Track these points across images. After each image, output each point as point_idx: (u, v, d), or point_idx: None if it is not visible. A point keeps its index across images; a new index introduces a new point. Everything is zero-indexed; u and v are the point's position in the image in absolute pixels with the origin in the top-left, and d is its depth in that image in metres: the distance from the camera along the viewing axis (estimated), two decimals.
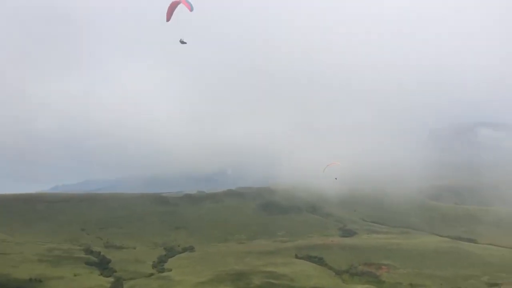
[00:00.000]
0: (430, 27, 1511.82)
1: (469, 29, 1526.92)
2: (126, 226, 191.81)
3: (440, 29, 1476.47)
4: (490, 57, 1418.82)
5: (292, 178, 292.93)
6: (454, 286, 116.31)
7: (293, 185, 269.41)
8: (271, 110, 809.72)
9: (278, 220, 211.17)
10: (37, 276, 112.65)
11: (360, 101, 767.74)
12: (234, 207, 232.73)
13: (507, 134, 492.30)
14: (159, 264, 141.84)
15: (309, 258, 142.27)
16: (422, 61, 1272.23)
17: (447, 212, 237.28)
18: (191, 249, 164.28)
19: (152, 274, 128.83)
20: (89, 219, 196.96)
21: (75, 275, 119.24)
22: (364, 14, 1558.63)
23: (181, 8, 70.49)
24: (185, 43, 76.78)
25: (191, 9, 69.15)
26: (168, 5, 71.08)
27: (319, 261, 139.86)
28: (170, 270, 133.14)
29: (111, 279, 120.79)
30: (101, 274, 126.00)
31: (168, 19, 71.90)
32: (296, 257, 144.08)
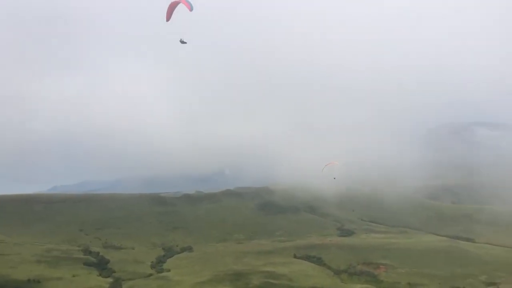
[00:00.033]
0: (428, 27, 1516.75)
1: (467, 29, 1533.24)
2: (125, 227, 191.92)
3: (438, 30, 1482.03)
4: (487, 57, 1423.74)
5: (290, 178, 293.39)
6: (452, 285, 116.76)
7: (292, 185, 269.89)
8: (269, 110, 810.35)
9: (277, 220, 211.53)
10: (35, 277, 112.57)
11: (358, 101, 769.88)
12: (233, 207, 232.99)
13: (504, 134, 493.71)
14: (158, 265, 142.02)
15: (308, 258, 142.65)
16: (420, 61, 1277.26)
17: (445, 212, 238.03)
18: (189, 249, 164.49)
19: (150, 275, 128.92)
20: (88, 220, 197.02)
21: (73, 276, 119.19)
22: (363, 15, 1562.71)
23: (180, 8, 70.59)
24: (185, 43, 76.87)
25: (191, 9, 69.20)
26: (168, 5, 71.12)
27: (318, 261, 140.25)
28: (169, 270, 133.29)
29: (110, 280, 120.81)
30: (100, 274, 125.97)
31: (168, 19, 71.96)
32: (295, 257, 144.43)
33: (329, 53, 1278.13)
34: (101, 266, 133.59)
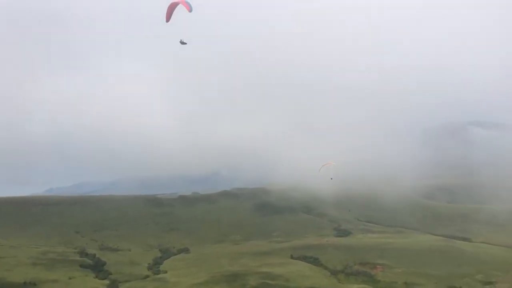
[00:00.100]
0: (427, 28, 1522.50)
1: (465, 29, 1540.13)
2: (121, 228, 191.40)
3: (436, 30, 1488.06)
4: (484, 57, 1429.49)
5: (287, 179, 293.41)
6: (449, 285, 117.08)
7: (288, 186, 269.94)
8: (266, 110, 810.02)
9: (273, 220, 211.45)
10: (31, 280, 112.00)
11: (354, 101, 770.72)
12: (229, 208, 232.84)
13: (500, 133, 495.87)
14: (154, 266, 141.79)
15: (305, 258, 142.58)
16: (416, 61, 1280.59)
17: (441, 211, 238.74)
18: (186, 250, 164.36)
19: (147, 276, 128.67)
20: (84, 222, 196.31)
21: (69, 278, 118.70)
22: (362, 15, 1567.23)
23: (179, 9, 70.51)
24: (185, 43, 76.67)
25: (190, 10, 69.08)
26: (168, 5, 71.01)
27: (315, 261, 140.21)
28: (166, 272, 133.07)
29: (106, 282, 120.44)
30: (96, 276, 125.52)
31: (167, 20, 71.80)
32: (292, 257, 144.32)
33: (326, 53, 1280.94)
34: (98, 268, 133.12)
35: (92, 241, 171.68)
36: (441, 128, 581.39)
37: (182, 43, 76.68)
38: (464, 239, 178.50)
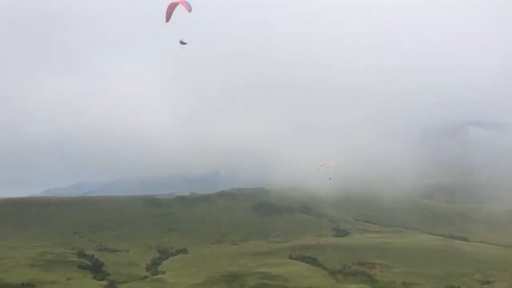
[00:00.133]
0: (426, 28, 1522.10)
1: (463, 29, 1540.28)
2: (119, 229, 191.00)
3: (435, 30, 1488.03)
4: (482, 57, 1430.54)
5: (286, 179, 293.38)
6: (447, 284, 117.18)
7: (287, 186, 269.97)
8: (264, 110, 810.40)
9: (272, 220, 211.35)
10: (29, 281, 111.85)
11: (352, 101, 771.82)
12: (228, 208, 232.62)
13: (498, 133, 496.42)
14: (153, 267, 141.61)
15: (303, 259, 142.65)
16: (416, 62, 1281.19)
17: (439, 211, 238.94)
18: (184, 251, 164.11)
19: (146, 277, 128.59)
20: (82, 222, 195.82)
21: (68, 279, 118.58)
22: (361, 15, 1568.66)
23: (179, 9, 70.47)
24: (185, 43, 76.51)
25: (190, 10, 69.02)
26: (167, 6, 70.95)
27: (313, 261, 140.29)
28: (164, 272, 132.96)
29: (105, 283, 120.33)
30: (95, 277, 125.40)
31: (167, 20, 71.70)
32: (290, 257, 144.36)
33: (325, 53, 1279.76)
34: (96, 269, 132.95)
35: (91, 242, 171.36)
36: (440, 128, 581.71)
37: (182, 43, 76.59)
38: (463, 238, 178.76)
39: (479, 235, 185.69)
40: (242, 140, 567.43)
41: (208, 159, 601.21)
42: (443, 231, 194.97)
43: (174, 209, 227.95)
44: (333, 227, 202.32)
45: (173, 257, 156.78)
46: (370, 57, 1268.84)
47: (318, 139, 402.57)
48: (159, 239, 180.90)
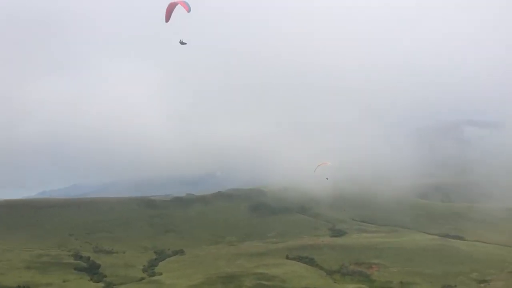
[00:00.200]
0: (418, 26, 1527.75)
1: (455, 29, 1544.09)
2: (115, 230, 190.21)
3: (428, 29, 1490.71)
4: (477, 56, 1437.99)
5: (282, 179, 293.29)
6: (444, 283, 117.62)
7: (283, 186, 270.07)
8: (260, 110, 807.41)
9: (269, 221, 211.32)
10: (25, 283, 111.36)
11: (348, 100, 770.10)
12: (224, 209, 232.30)
13: (493, 132, 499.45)
14: (150, 268, 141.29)
15: (300, 259, 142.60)
16: (410, 61, 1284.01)
17: (435, 210, 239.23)
18: (181, 252, 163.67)
19: (142, 278, 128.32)
20: (78, 224, 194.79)
21: (64, 281, 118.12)
22: (353, 14, 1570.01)
23: (178, 9, 70.38)
24: (185, 43, 76.28)
25: (189, 10, 68.94)
26: (167, 6, 70.87)
27: (310, 261, 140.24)
28: (161, 274, 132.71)
29: (101, 285, 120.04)
30: (91, 279, 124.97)
31: (167, 20, 71.59)
32: (287, 258, 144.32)
33: (320, 52, 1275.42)
34: (92, 271, 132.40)
35: (87, 243, 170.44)
36: (435, 127, 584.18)
37: (182, 43, 76.36)
38: (459, 238, 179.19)
39: (475, 234, 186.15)
40: (238, 140, 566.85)
41: (204, 160, 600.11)
42: (439, 230, 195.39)
43: (171, 210, 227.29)
44: (330, 227, 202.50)
45: (170, 258, 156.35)
46: (366, 56, 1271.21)
47: (314, 139, 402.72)
48: (156, 241, 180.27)
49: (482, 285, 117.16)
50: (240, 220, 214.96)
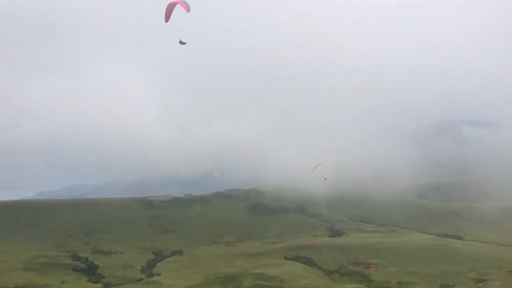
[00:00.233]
0: (416, 27, 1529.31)
1: (452, 29, 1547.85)
2: (114, 231, 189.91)
3: (425, 29, 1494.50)
4: (474, 56, 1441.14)
5: (280, 179, 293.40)
6: (442, 283, 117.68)
7: (281, 186, 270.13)
8: (258, 110, 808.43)
9: (267, 221, 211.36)
10: (23, 285, 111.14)
11: (346, 100, 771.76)
12: (222, 210, 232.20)
13: (491, 132, 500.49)
14: (148, 269, 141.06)
15: (299, 259, 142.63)
16: (407, 60, 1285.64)
17: (433, 210, 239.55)
18: (180, 252, 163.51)
19: (141, 279, 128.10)
20: (76, 225, 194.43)
21: (62, 282, 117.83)
22: (349, 14, 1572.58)
23: (177, 9, 70.35)
24: (185, 43, 76.22)
25: (188, 10, 68.90)
26: (166, 6, 70.86)
27: (309, 261, 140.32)
28: (159, 274, 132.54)
29: (100, 286, 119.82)
30: (89, 280, 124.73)
31: (167, 20, 71.59)
32: (286, 258, 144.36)
33: (317, 52, 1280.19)
34: (90, 271, 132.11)
35: (85, 244, 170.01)
36: (433, 127, 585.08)
37: (182, 43, 76.31)
38: (457, 237, 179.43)
39: (473, 233, 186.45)
40: (236, 141, 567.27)
41: (203, 160, 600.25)
42: (437, 230, 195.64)
43: (169, 210, 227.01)
44: (328, 227, 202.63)
45: (168, 259, 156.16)
46: (364, 56, 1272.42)
47: (311, 139, 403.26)
48: (154, 241, 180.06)
49: (480, 284, 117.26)
50: (238, 220, 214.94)
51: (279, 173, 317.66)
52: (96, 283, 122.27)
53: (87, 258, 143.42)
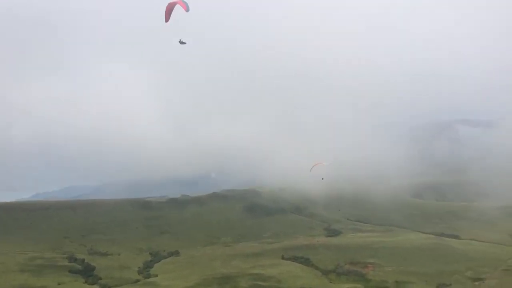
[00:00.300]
0: (413, 27, 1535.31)
1: (452, 29, 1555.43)
2: (110, 232, 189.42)
3: (423, 30, 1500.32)
4: (472, 56, 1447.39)
5: (276, 179, 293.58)
6: (439, 282, 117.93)
7: (278, 186, 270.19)
8: (254, 111, 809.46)
9: (264, 221, 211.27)
10: (19, 286, 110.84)
11: (342, 100, 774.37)
12: (219, 210, 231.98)
13: (487, 131, 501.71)
14: (145, 270, 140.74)
15: (296, 259, 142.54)
16: (404, 61, 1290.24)
17: (430, 209, 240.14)
18: (176, 253, 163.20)
19: (138, 280, 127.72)
20: (72, 226, 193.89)
21: (58, 284, 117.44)
22: (346, 14, 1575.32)
23: (176, 8, 70.27)
24: (185, 43, 76.08)
25: (187, 10, 68.83)
26: (166, 6, 70.79)
27: (306, 261, 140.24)
28: (156, 275, 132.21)
29: (96, 287, 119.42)
30: (86, 282, 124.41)
31: (166, 20, 71.50)
32: (283, 258, 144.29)
33: (314, 53, 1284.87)
34: (87, 273, 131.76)
35: (81, 246, 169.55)
36: (429, 127, 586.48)
37: (182, 43, 76.18)
38: (454, 236, 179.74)
39: (469, 232, 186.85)
40: (233, 141, 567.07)
41: (199, 161, 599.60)
42: (434, 229, 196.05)
43: (166, 211, 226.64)
44: (325, 227, 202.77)
45: (165, 259, 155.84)
46: (362, 57, 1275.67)
47: (308, 139, 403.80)
48: (151, 242, 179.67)
49: (476, 283, 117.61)
50: (235, 221, 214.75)
51: (276, 173, 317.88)
52: (92, 284, 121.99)
53: (83, 260, 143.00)
